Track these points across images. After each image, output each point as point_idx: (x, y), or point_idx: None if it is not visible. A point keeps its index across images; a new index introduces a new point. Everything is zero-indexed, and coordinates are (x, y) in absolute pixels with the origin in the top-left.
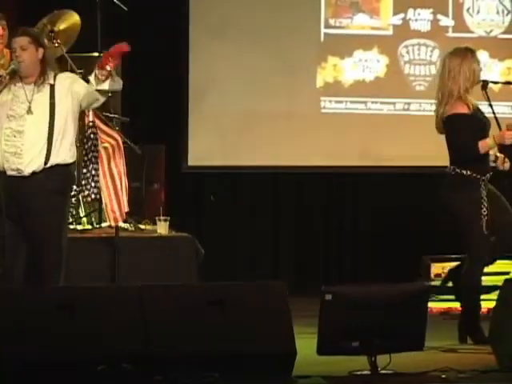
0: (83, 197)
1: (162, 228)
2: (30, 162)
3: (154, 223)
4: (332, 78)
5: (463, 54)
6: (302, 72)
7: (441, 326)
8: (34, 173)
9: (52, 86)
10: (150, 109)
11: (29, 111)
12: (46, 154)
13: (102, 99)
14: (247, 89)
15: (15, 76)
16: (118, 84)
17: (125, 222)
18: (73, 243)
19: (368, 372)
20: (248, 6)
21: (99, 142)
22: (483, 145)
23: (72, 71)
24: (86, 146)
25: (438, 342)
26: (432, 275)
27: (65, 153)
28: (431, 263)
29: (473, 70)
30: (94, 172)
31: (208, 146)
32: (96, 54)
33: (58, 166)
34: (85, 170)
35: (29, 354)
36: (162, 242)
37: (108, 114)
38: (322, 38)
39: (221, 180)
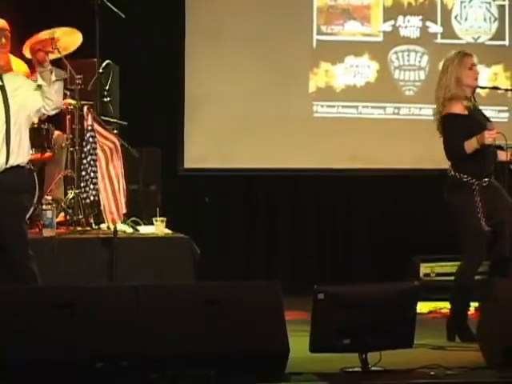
0: (82, 199)
1: (159, 229)
2: None
3: (151, 224)
4: (324, 83)
5: (453, 58)
6: (294, 77)
7: (429, 325)
8: None
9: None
10: (148, 113)
11: None
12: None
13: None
14: (242, 94)
15: None
16: (59, 72)
17: (122, 222)
18: (72, 243)
19: (359, 369)
20: (243, 14)
21: (98, 145)
22: (468, 145)
23: (71, 76)
24: (85, 149)
25: (427, 339)
26: (421, 275)
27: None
28: (420, 263)
29: (460, 73)
30: (92, 174)
31: (203, 148)
32: (94, 60)
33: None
34: (84, 173)
35: (27, 353)
36: (158, 242)
37: (106, 118)
38: (315, 45)
39: (216, 182)
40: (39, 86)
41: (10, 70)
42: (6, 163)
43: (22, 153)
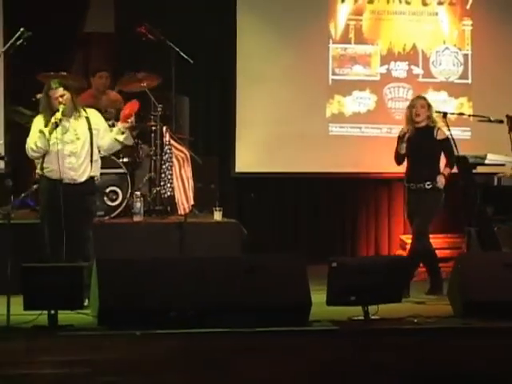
0: (162, 194)
1: (217, 216)
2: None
3: (212, 212)
4: (337, 110)
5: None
6: (316, 106)
7: (414, 285)
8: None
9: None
10: (209, 131)
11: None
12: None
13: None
14: (277, 118)
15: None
16: (130, 140)
17: (191, 211)
18: (154, 226)
19: (362, 317)
20: (277, 58)
21: (173, 155)
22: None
23: (154, 105)
24: (164, 158)
25: (412, 296)
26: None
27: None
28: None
29: (409, 111)
30: (169, 176)
31: (249, 158)
32: (171, 94)
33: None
34: (163, 175)
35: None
36: (217, 225)
37: (179, 135)
38: (330, 82)
39: (258, 182)
40: (111, 130)
41: (112, 106)
42: (88, 174)
43: (96, 167)
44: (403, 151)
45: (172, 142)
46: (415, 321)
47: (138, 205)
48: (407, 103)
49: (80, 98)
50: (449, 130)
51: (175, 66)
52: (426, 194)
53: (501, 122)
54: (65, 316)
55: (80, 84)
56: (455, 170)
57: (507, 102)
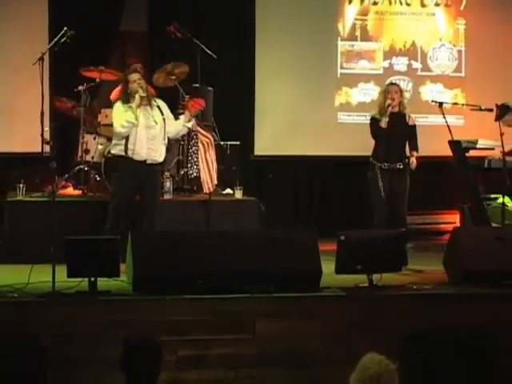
0: (189, 174)
1: (238, 194)
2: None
3: (233, 191)
4: (345, 100)
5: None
6: (326, 96)
7: (412, 256)
8: None
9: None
10: (231, 118)
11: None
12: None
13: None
14: (291, 106)
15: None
16: (192, 124)
17: (214, 190)
18: (182, 203)
19: (367, 285)
20: (292, 54)
21: (199, 140)
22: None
23: (182, 96)
24: (191, 143)
25: (411, 266)
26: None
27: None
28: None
29: (382, 96)
30: (195, 159)
31: (266, 142)
32: (197, 85)
33: None
34: (189, 158)
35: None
36: (238, 203)
37: (204, 122)
38: (339, 75)
39: (275, 163)
40: (178, 118)
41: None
42: (163, 155)
43: (164, 150)
44: (384, 126)
45: (198, 128)
46: (414, 287)
47: (168, 184)
48: (408, 94)
49: (117, 90)
50: (444, 117)
51: (200, 61)
52: (398, 174)
53: (490, 110)
54: (103, 283)
55: (118, 77)
56: (450, 152)
57: (496, 93)
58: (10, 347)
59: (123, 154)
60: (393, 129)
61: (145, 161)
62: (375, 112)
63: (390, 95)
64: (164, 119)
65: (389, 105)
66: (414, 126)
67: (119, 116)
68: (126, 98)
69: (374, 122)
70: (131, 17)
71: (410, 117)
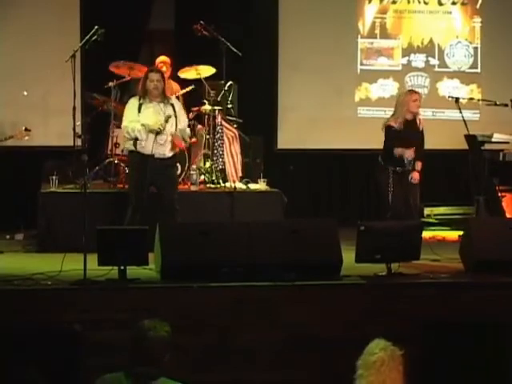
0: (215, 167)
1: (262, 186)
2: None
3: (257, 183)
4: (365, 96)
5: (404, 93)
6: (346, 92)
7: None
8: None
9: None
10: (255, 114)
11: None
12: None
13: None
14: (313, 102)
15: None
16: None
17: (239, 182)
18: (208, 195)
19: (385, 273)
20: (314, 51)
21: (224, 134)
22: (397, 151)
23: (208, 92)
24: (216, 137)
25: (428, 255)
26: (425, 215)
27: None
28: (424, 207)
29: (400, 103)
30: (221, 152)
31: (289, 136)
32: (222, 82)
33: None
34: (215, 151)
35: (188, 259)
36: (261, 194)
37: (229, 117)
38: (359, 72)
39: (297, 156)
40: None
41: (172, 93)
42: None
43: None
44: (399, 128)
45: (223, 123)
46: (431, 276)
47: (195, 176)
48: (425, 90)
49: None
50: (460, 112)
51: (226, 58)
52: (406, 175)
53: (505, 105)
54: (132, 271)
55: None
56: (466, 146)
57: (511, 88)
58: (46, 332)
59: (133, 148)
60: (407, 134)
61: (153, 155)
62: (391, 118)
63: (418, 103)
64: (176, 116)
65: (416, 113)
66: (422, 131)
67: (130, 114)
68: (143, 93)
69: (391, 129)
70: (159, 16)
71: (420, 120)
